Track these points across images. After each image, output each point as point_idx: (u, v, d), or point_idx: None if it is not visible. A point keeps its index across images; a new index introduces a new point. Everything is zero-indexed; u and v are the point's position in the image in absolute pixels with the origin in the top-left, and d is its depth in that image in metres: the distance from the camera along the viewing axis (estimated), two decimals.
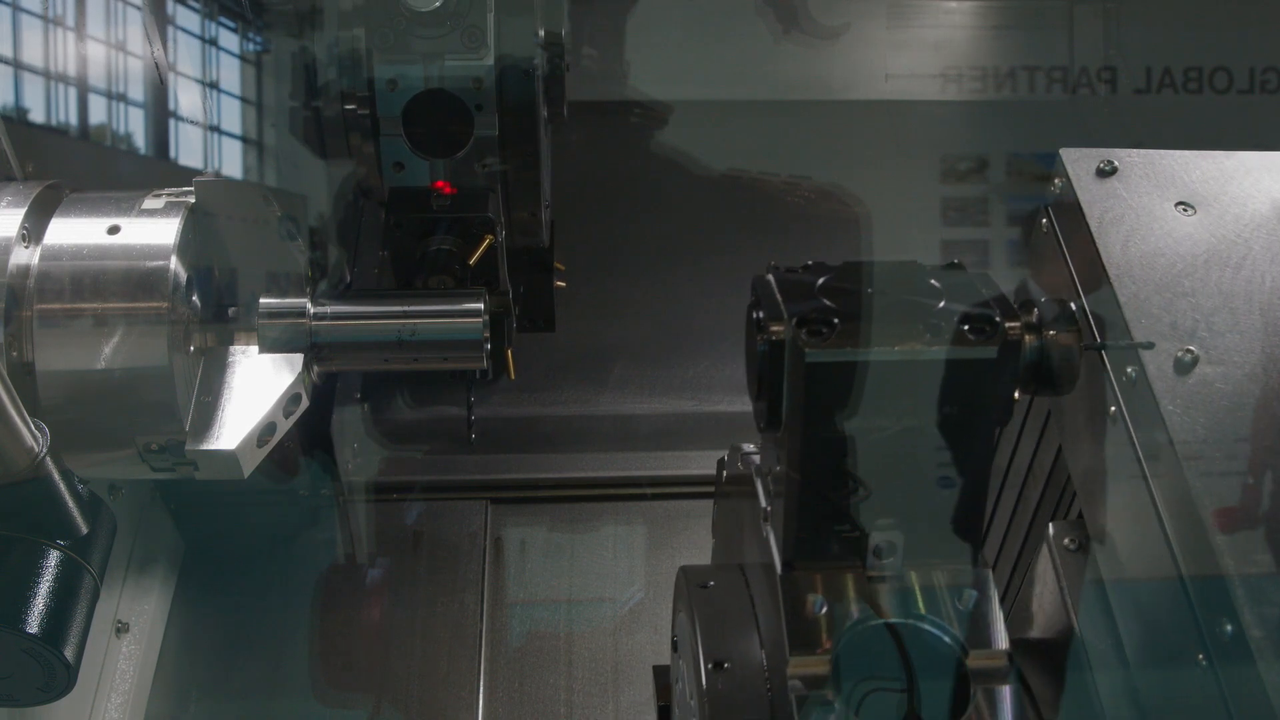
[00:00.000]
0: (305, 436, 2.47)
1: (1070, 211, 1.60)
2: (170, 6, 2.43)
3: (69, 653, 1.51)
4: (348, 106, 2.23)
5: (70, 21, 2.30)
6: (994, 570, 1.60)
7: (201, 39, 2.52)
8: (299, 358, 1.79)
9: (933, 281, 1.50)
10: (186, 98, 2.47)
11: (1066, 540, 1.60)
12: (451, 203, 2.26)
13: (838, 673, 1.46)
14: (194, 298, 1.72)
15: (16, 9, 2.17)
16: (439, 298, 1.95)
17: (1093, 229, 1.54)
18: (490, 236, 2.26)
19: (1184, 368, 1.40)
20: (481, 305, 1.88)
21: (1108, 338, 1.49)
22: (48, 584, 1.50)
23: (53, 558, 1.52)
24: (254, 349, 1.78)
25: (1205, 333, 1.43)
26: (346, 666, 2.72)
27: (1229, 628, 1.24)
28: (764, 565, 1.62)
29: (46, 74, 2.23)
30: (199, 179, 1.74)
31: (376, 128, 2.24)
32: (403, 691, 2.74)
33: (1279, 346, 1.42)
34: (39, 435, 1.46)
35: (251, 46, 2.56)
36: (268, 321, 1.77)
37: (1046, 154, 1.67)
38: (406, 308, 1.85)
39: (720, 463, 1.96)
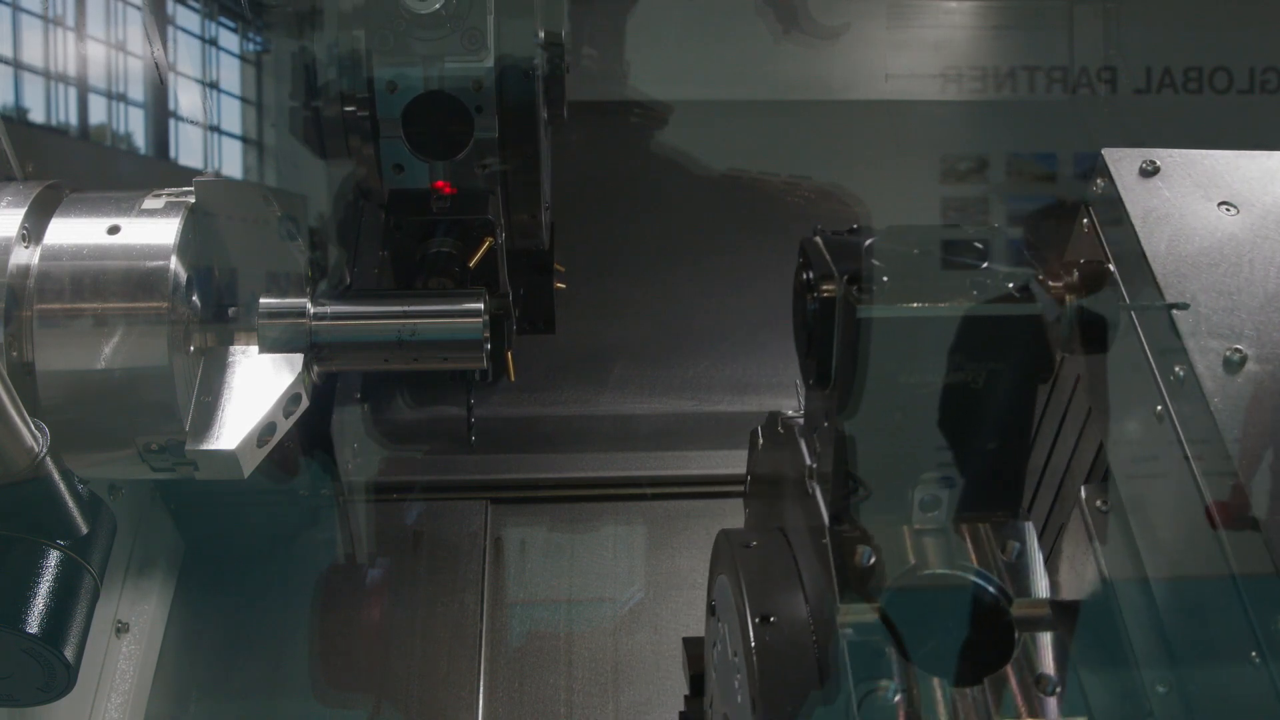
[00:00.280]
0: (305, 436, 2.46)
1: (1113, 211, 1.61)
2: (170, 6, 2.42)
3: (69, 653, 1.51)
4: (347, 108, 2.23)
5: (70, 21, 2.30)
6: None
7: (201, 39, 2.51)
8: (299, 358, 1.79)
9: (976, 243, 1.56)
10: (186, 98, 2.46)
11: (1099, 502, 1.64)
12: (451, 204, 2.25)
13: (886, 621, 1.52)
14: (194, 298, 1.71)
15: (16, 9, 2.17)
16: (439, 298, 1.95)
17: (1137, 229, 1.55)
18: (490, 239, 2.25)
19: (1233, 367, 1.41)
20: (482, 305, 1.87)
21: (1154, 338, 1.51)
22: (48, 584, 1.50)
23: (53, 558, 1.52)
24: (254, 349, 1.78)
25: (1253, 332, 1.44)
26: (346, 666, 2.72)
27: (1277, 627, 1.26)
28: (808, 527, 1.67)
29: (46, 74, 2.23)
30: (199, 179, 1.73)
31: (376, 129, 2.23)
32: (403, 691, 2.74)
33: None
34: (39, 435, 1.46)
35: (251, 46, 2.56)
36: (268, 321, 1.77)
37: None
38: (406, 308, 1.85)
39: (754, 434, 2.02)
